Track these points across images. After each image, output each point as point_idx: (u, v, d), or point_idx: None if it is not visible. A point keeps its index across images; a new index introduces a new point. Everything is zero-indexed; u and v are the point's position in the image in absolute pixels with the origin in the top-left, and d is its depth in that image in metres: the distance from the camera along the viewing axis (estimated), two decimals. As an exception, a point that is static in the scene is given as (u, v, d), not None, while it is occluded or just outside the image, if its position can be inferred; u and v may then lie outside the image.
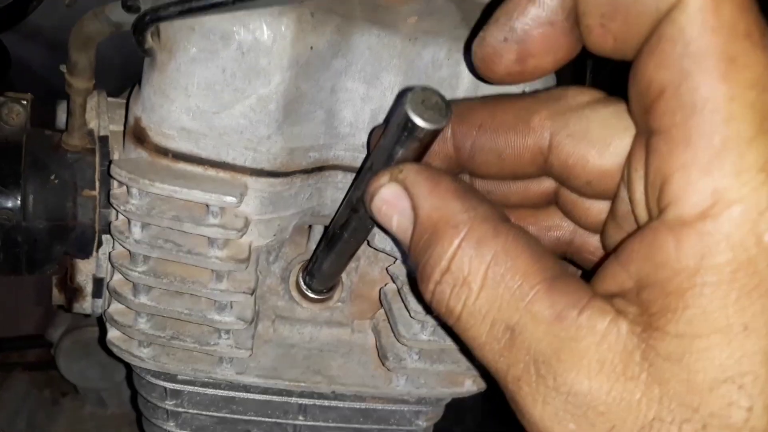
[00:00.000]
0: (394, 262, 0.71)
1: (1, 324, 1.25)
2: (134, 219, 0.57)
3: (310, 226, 0.75)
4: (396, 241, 0.46)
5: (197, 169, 0.58)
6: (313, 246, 0.76)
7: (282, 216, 0.63)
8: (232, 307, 0.61)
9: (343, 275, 0.75)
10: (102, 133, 0.66)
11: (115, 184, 0.60)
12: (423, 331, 0.65)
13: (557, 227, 0.48)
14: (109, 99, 0.71)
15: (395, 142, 0.42)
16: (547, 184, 0.45)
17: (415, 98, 0.41)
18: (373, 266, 0.78)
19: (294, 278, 0.75)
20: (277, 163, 0.59)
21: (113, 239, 0.62)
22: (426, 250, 0.38)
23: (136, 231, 0.58)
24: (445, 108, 0.42)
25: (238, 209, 0.59)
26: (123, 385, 1.11)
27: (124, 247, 0.59)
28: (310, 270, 0.68)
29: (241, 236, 0.58)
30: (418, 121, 0.41)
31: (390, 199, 0.42)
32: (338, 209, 0.61)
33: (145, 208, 0.57)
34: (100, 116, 0.67)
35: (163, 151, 0.58)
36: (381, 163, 0.45)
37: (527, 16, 0.37)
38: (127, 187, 0.57)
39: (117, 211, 0.60)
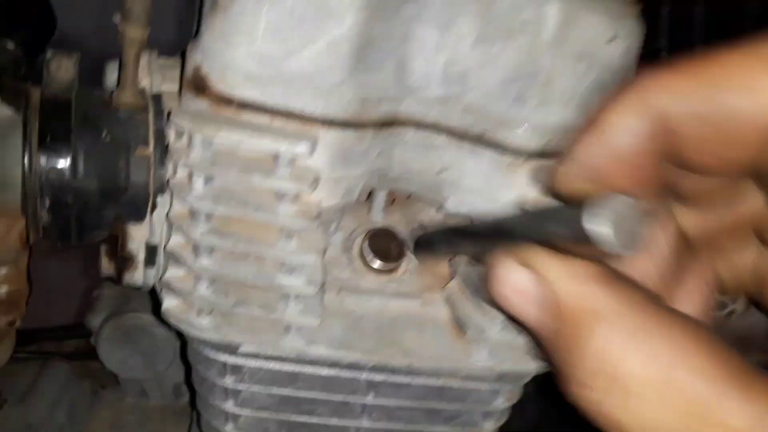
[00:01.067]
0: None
1: (37, 313, 1.22)
2: (197, 172, 0.52)
3: (369, 194, 0.70)
4: (527, 330, 0.38)
5: (263, 120, 0.53)
6: (376, 216, 0.71)
7: (351, 175, 0.58)
8: (301, 271, 0.56)
9: (410, 246, 0.70)
10: (155, 91, 0.62)
11: (173, 137, 0.56)
12: (506, 299, 0.59)
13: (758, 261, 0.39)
14: (161, 59, 0.66)
15: (556, 234, 0.33)
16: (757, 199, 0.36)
17: (611, 214, 0.30)
18: (439, 237, 0.72)
19: (357, 249, 0.70)
20: (348, 112, 0.54)
21: (170, 199, 0.57)
22: (568, 346, 0.31)
23: (198, 185, 0.53)
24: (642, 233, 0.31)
25: (308, 164, 0.54)
26: (165, 375, 1.06)
27: (185, 202, 0.54)
28: (423, 240, 0.61)
29: (313, 190, 0.53)
30: (610, 242, 0.29)
31: (521, 288, 0.35)
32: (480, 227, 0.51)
33: (209, 160, 0.52)
34: (152, 74, 0.63)
35: (227, 101, 0.53)
36: (515, 238, 0.36)
37: (602, 154, 0.32)
38: (188, 137, 0.52)
39: (175, 168, 0.55)
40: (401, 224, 0.72)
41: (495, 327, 0.61)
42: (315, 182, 0.53)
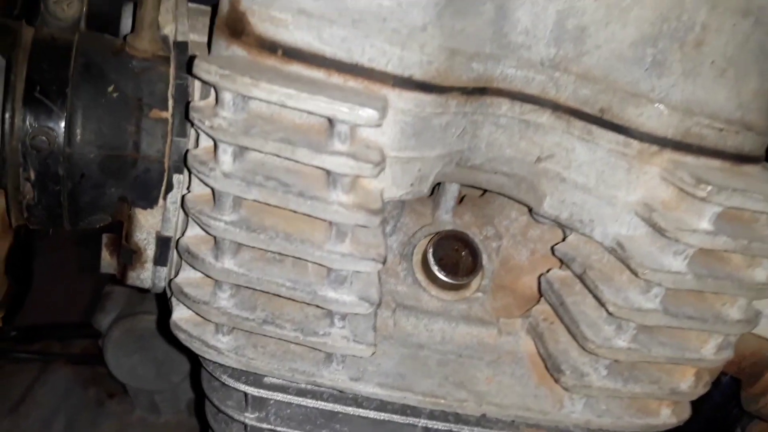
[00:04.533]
0: (564, 239, 0.51)
1: (45, 309, 1.10)
2: (224, 142, 0.39)
3: (436, 187, 0.56)
4: None
5: (317, 74, 0.40)
6: (442, 215, 0.57)
7: (425, 156, 0.44)
8: (352, 283, 0.42)
9: (484, 257, 0.55)
10: (180, 39, 0.49)
11: (197, 93, 0.43)
12: (620, 335, 0.45)
13: None
14: (190, 4, 0.53)
15: None
16: None
17: None
18: (519, 249, 0.58)
19: (419, 256, 0.56)
20: (432, 69, 0.41)
21: (189, 177, 0.44)
22: None
23: (226, 160, 0.39)
24: None
25: (372, 139, 0.40)
26: (180, 387, 0.93)
27: (206, 184, 0.40)
28: None
29: (377, 174, 0.39)
30: None
31: None
32: None
33: (242, 125, 0.38)
34: (178, 19, 0.50)
35: (270, 46, 0.40)
36: None
37: None
38: (216, 92, 0.39)
39: (197, 136, 0.42)
40: (472, 228, 0.58)
41: (599, 371, 0.46)
42: (380, 164, 0.39)
